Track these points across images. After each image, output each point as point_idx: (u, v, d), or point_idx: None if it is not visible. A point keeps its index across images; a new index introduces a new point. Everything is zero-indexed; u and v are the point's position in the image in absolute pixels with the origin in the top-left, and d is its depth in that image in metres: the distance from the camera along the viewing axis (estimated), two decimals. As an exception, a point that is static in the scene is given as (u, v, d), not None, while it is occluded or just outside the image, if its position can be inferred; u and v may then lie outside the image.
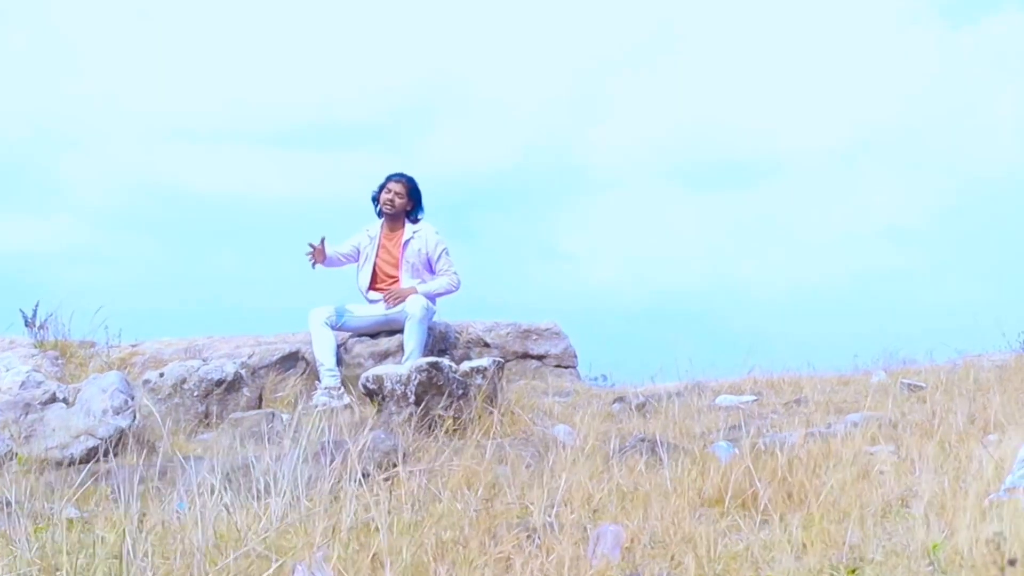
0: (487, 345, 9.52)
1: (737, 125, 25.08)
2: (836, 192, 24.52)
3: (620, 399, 7.28)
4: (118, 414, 6.01)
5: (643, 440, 5.14)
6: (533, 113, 25.34)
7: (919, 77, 25.05)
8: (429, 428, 6.11)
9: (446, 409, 6.22)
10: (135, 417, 6.05)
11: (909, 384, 7.25)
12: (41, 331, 8.97)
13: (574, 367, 9.66)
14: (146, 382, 7.30)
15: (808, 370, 9.46)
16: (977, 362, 8.85)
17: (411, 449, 5.34)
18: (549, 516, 3.63)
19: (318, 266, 8.16)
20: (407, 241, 8.25)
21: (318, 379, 7.97)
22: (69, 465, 5.84)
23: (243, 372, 7.45)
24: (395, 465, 5.08)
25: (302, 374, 8.08)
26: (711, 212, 24.72)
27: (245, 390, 7.40)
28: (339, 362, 8.04)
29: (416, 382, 6.18)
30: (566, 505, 3.73)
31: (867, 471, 3.81)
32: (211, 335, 8.85)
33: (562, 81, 25.57)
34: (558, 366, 9.59)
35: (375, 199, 8.34)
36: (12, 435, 6.03)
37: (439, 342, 9.12)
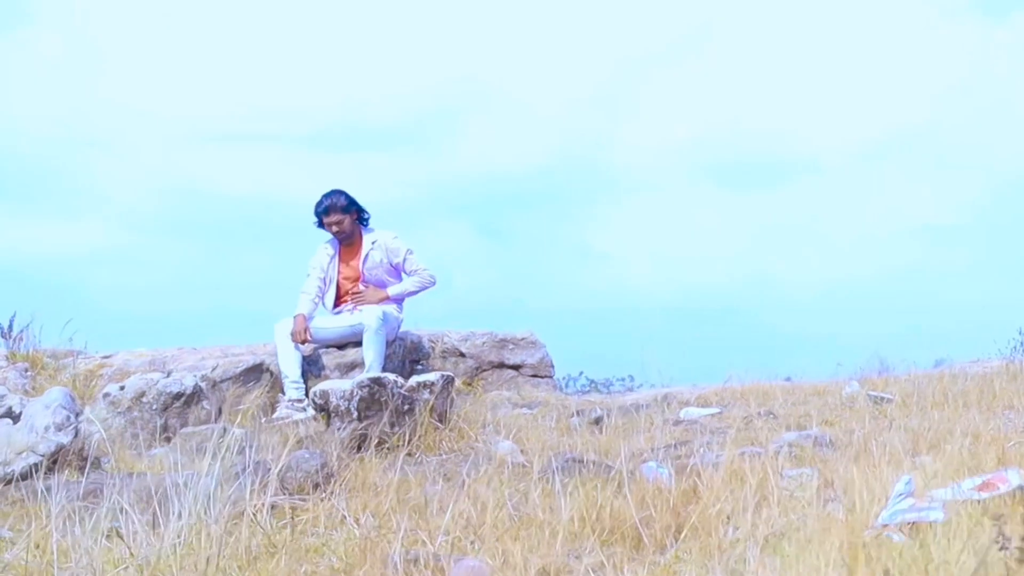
0: (462, 355, 9.45)
1: (768, 123, 24.92)
2: (869, 190, 24.29)
3: (578, 413, 7.16)
4: (60, 431, 5.96)
5: (572, 460, 5.03)
6: (563, 113, 25.25)
7: (951, 74, 24.77)
8: (375, 444, 6.02)
9: (391, 425, 6.12)
10: (77, 433, 5.99)
11: (875, 396, 7.09)
12: (16, 342, 8.95)
13: (551, 376, 9.56)
14: (106, 395, 7.26)
15: (802, 376, 9.36)
16: (968, 370, 8.67)
17: (341, 468, 5.24)
18: (434, 545, 3.53)
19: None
20: (366, 255, 8.16)
21: (282, 391, 7.90)
22: (10, 482, 5.81)
23: (203, 385, 7.40)
24: (317, 486, 5.01)
25: (267, 387, 8.00)
26: (743, 211, 24.56)
27: (205, 403, 7.35)
28: (304, 374, 7.96)
29: (358, 398, 6.08)
30: (447, 533, 3.62)
31: (762, 500, 3.67)
32: (181, 346, 8.81)
33: (592, 81, 25.46)
34: (534, 375, 9.49)
35: (320, 226, 8.22)
36: (-46, 452, 5.98)
37: (411, 352, 9.06)
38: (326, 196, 8.10)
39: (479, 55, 25.25)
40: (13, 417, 6.23)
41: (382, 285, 8.19)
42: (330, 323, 8.18)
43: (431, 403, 6.35)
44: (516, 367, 9.51)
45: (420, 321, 9.24)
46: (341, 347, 8.30)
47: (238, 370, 8.01)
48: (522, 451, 6.11)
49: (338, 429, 6.18)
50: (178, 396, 7.22)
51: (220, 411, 7.44)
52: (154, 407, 7.17)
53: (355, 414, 6.13)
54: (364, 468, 5.32)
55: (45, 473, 5.81)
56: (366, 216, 8.23)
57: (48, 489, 5.45)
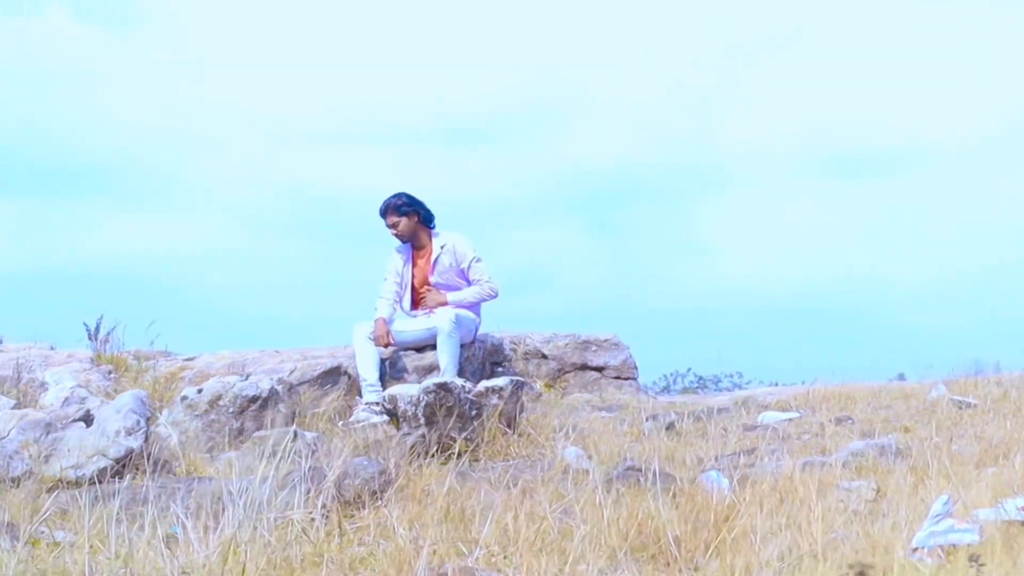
0: (545, 357, 9.41)
1: (878, 113, 24.38)
2: (985, 182, 23.63)
3: (653, 417, 7.06)
4: (130, 435, 6.06)
5: (631, 468, 4.94)
6: (671, 106, 25.05)
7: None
8: (441, 450, 6.01)
9: (459, 431, 6.10)
10: (147, 438, 6.08)
11: (960, 401, 6.87)
12: (103, 344, 9.17)
13: (634, 379, 9.47)
14: (184, 398, 7.35)
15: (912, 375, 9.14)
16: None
17: (400, 475, 5.22)
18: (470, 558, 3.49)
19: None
20: (436, 258, 8.15)
21: (359, 394, 7.94)
22: (81, 485, 5.93)
23: (279, 388, 7.45)
24: (375, 493, 5.01)
25: (344, 389, 8.05)
26: (853, 203, 24.09)
27: (281, 406, 7.40)
28: (383, 377, 7.98)
29: (424, 403, 6.07)
30: (485, 547, 3.58)
31: (809, 514, 3.55)
32: (263, 348, 8.91)
33: (700, 72, 25.22)
34: (617, 377, 9.41)
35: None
36: (31, 455, 6.12)
37: (492, 355, 9.04)
38: (391, 196, 8.13)
39: (586, 49, 25.17)
40: (88, 420, 6.34)
41: (453, 288, 8.17)
42: (407, 326, 8.20)
43: (500, 408, 6.32)
44: (599, 369, 9.44)
45: (505, 322, 9.26)
46: (419, 350, 8.31)
47: (316, 373, 8.06)
48: (589, 456, 6.04)
49: (405, 434, 6.18)
50: (254, 399, 7.28)
51: (295, 414, 7.49)
52: (230, 410, 7.23)
53: (422, 419, 6.12)
54: (424, 475, 5.31)
55: (115, 476, 5.93)
56: (430, 218, 8.21)
57: (115, 493, 5.58)
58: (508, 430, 6.33)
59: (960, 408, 6.74)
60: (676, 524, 3.53)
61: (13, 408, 7.43)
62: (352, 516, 4.61)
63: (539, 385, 9.15)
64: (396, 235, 8.15)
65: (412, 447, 6.04)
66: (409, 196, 8.15)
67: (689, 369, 27.41)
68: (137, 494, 5.61)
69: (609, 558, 3.41)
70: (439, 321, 7.85)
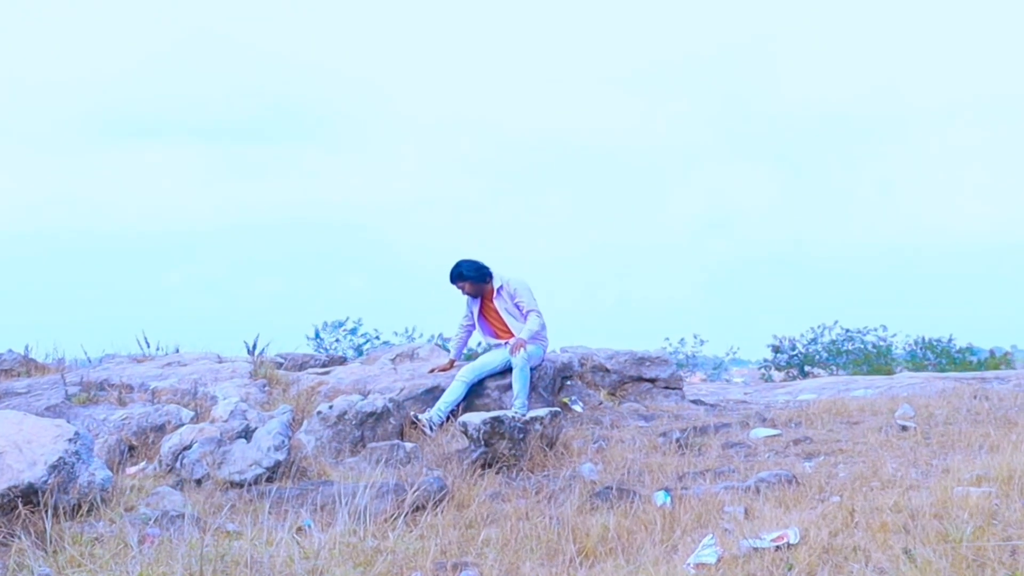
0: (608, 370, 11.67)
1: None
2: None
3: (664, 434, 9.29)
4: (278, 451, 8.57)
5: (607, 488, 7.22)
6: (861, 54, 26.03)
7: None
8: (492, 464, 8.37)
9: (508, 450, 8.44)
10: (289, 452, 8.59)
11: (903, 424, 8.90)
12: (259, 358, 11.78)
13: (679, 389, 11.68)
14: (319, 413, 9.85)
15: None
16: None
17: (459, 489, 7.58)
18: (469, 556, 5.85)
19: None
20: (497, 294, 10.64)
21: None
22: (243, 486, 8.46)
23: (390, 405, 9.89)
24: (438, 502, 7.39)
25: (441, 403, 10.45)
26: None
27: (391, 420, 9.85)
28: (456, 402, 10.37)
29: (483, 431, 8.42)
30: (485, 544, 5.93)
31: (666, 536, 5.80)
32: (383, 364, 11.40)
33: (887, 20, 26.11)
34: (666, 387, 11.63)
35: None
36: (208, 463, 8.68)
37: (562, 370, 11.35)
38: (455, 266, 10.76)
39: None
40: (247, 435, 8.87)
41: (512, 315, 10.56)
42: (490, 358, 10.59)
43: (541, 432, 8.63)
44: (651, 380, 11.67)
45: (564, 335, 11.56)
46: (501, 373, 10.69)
47: (419, 391, 10.49)
48: (606, 469, 8.30)
49: (472, 450, 8.55)
50: (371, 414, 9.73)
51: (403, 425, 9.93)
52: (353, 423, 9.69)
53: (482, 441, 8.47)
54: (476, 486, 7.66)
55: (267, 480, 8.44)
56: (488, 274, 10.66)
57: (267, 493, 8.06)
58: (548, 449, 8.63)
59: (902, 430, 8.78)
60: (594, 534, 5.82)
61: (191, 420, 10.08)
62: (416, 521, 6.96)
63: (601, 394, 11.45)
64: (467, 295, 10.66)
65: (475, 460, 8.41)
66: (471, 265, 10.72)
67: (836, 322, 28.98)
68: (282, 495, 8.14)
69: (548, 555, 5.72)
70: (515, 359, 10.23)
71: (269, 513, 7.20)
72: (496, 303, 10.70)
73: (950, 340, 27.59)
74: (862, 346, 27.89)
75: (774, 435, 9.19)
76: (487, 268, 10.79)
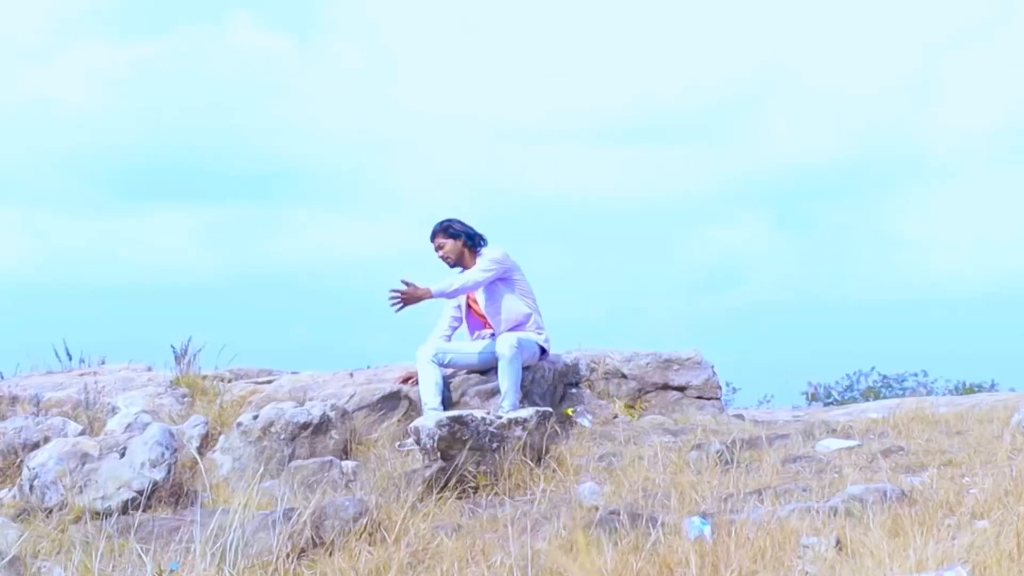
0: (625, 376, 9.17)
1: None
2: None
3: (698, 447, 6.75)
4: (154, 467, 6.12)
5: (613, 513, 4.71)
6: (868, 99, 24.35)
7: None
8: (453, 484, 5.87)
9: (476, 464, 5.95)
10: (170, 470, 6.13)
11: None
12: (188, 366, 9.36)
13: (717, 398, 9.14)
14: (239, 424, 7.39)
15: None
16: None
17: (390, 517, 5.10)
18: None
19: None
20: None
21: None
22: (107, 516, 6.01)
23: (332, 414, 7.43)
24: (358, 534, 4.90)
25: (403, 414, 7.98)
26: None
27: (333, 432, 7.38)
28: (446, 401, 7.88)
29: (438, 437, 5.94)
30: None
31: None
32: (336, 371, 8.95)
33: (895, 65, 24.42)
34: (699, 397, 9.11)
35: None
36: (66, 485, 6.24)
37: (564, 376, 8.86)
38: (433, 228, 8.06)
39: (777, 42, 24.64)
40: (113, 453, 6.42)
41: (499, 302, 7.99)
42: (466, 348, 8.09)
43: (524, 441, 6.13)
44: (681, 388, 9.15)
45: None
46: (484, 373, 8.18)
47: (375, 398, 8.01)
48: (615, 491, 5.80)
49: (426, 467, 6.07)
50: (306, 426, 7.27)
51: (348, 441, 7.45)
52: (282, 437, 7.24)
53: (439, 452, 5.98)
54: (416, 515, 5.18)
55: (141, 508, 5.99)
56: (480, 245, 8.08)
57: (133, 526, 5.64)
58: (534, 463, 6.13)
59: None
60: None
61: (79, 434, 7.63)
62: (314, 562, 4.49)
63: (617, 406, 8.93)
64: (443, 257, 8.03)
65: (429, 479, 5.93)
66: (458, 221, 8.05)
67: (873, 368, 26.58)
68: (153, 527, 5.67)
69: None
70: (500, 347, 7.70)
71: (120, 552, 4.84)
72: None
73: (993, 385, 24.82)
74: (901, 393, 25.28)
75: (851, 447, 6.65)
76: (481, 234, 8.20)
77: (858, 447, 6.62)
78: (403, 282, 7.63)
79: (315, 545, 4.72)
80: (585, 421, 8.49)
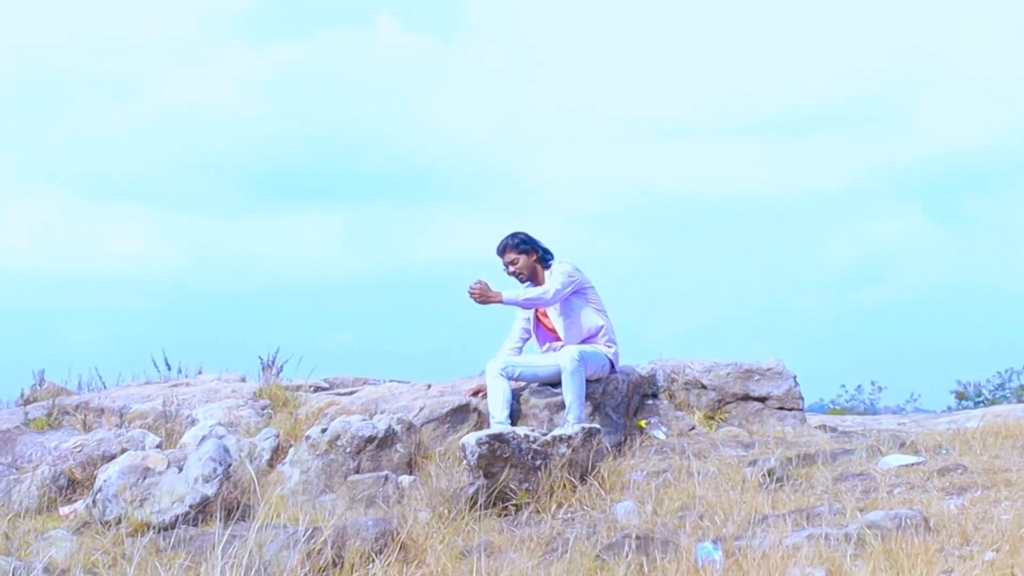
0: (704, 387, 9.04)
1: None
2: None
3: (753, 463, 6.62)
4: (206, 482, 6.27)
5: (628, 537, 4.66)
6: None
7: None
8: (495, 501, 5.88)
9: (518, 482, 5.95)
10: (221, 485, 6.27)
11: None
12: (275, 375, 9.57)
13: (799, 409, 8.94)
14: (307, 437, 7.51)
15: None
16: None
17: (421, 537, 5.14)
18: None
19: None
20: None
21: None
22: (163, 530, 6.18)
23: (398, 428, 7.49)
24: (379, 552, 4.95)
25: (472, 427, 8.00)
26: None
27: (398, 446, 7.44)
28: (513, 414, 7.89)
29: (477, 455, 5.95)
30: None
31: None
32: (413, 382, 9.03)
33: None
34: (780, 408, 8.92)
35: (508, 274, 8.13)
36: (127, 499, 6.44)
37: (640, 387, 8.79)
38: (504, 237, 8.05)
39: (929, 28, 23.98)
40: (180, 466, 6.59)
41: (575, 315, 7.96)
42: (535, 361, 8.07)
43: (568, 458, 6.11)
44: (762, 399, 8.98)
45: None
46: (554, 385, 8.16)
47: (444, 411, 8.05)
48: (655, 511, 5.73)
49: (470, 484, 6.09)
50: (371, 439, 7.34)
51: (413, 455, 7.51)
52: (348, 450, 7.32)
53: (481, 470, 6.00)
54: (447, 534, 5.21)
55: (193, 521, 6.15)
56: (548, 257, 8.06)
57: (184, 540, 5.80)
58: (579, 480, 6.10)
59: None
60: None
61: (156, 447, 7.88)
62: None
63: (695, 417, 8.82)
64: (514, 273, 8.02)
65: (472, 496, 5.95)
66: (527, 235, 8.04)
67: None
68: (202, 542, 5.82)
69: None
70: (562, 359, 7.67)
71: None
72: None
73: None
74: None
75: (913, 464, 6.44)
76: (550, 250, 8.18)
77: (919, 465, 6.42)
78: (478, 281, 7.70)
79: (335, 565, 4.78)
80: (660, 433, 8.41)
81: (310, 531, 4.96)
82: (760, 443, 7.94)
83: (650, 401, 8.83)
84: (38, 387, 10.60)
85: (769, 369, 9.05)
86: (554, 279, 7.86)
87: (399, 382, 9.25)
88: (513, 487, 5.93)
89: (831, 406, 22.86)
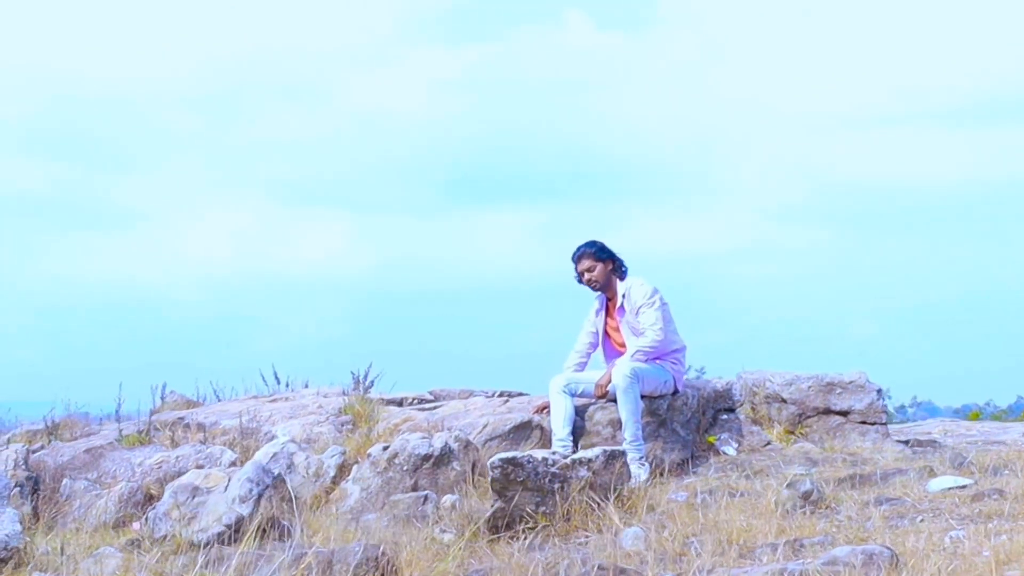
0: (784, 401, 8.84)
1: None
2: None
3: (791, 485, 6.44)
4: (243, 503, 6.47)
5: (600, 568, 4.61)
6: None
7: None
8: (512, 524, 5.90)
9: (535, 505, 5.96)
10: (257, 505, 6.45)
11: None
12: (367, 390, 9.77)
13: (882, 423, 8.65)
14: (369, 455, 7.67)
15: None
16: None
17: (416, 562, 5.20)
18: None
19: None
20: (620, 306, 7.94)
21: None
22: (204, 548, 6.40)
23: (455, 446, 7.56)
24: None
25: (535, 444, 8.02)
26: None
27: (455, 464, 7.52)
28: (576, 431, 7.88)
29: (490, 479, 5.98)
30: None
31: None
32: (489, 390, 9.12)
33: None
34: (863, 422, 8.66)
35: (578, 280, 8.10)
36: (174, 518, 6.70)
37: (715, 401, 8.68)
38: (580, 245, 8.04)
39: None
40: (226, 485, 6.81)
41: (638, 334, 7.89)
42: (597, 378, 8.04)
43: (588, 480, 6.08)
44: (843, 413, 8.73)
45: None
46: (616, 401, 8.11)
47: (506, 428, 8.09)
48: (658, 538, 5.64)
49: (489, 507, 6.12)
50: (427, 458, 7.45)
51: (468, 473, 7.56)
52: (405, 468, 7.44)
53: (497, 492, 6.03)
54: (444, 560, 5.26)
55: (231, 540, 6.35)
56: (623, 267, 8.01)
57: (219, 559, 6.00)
58: (600, 503, 6.06)
59: None
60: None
61: (231, 464, 8.17)
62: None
63: (774, 432, 8.64)
64: (589, 281, 7.97)
65: (489, 519, 5.98)
66: (602, 244, 8.03)
67: None
68: (234, 561, 6.01)
69: None
70: (615, 377, 7.62)
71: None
72: (618, 315, 8.08)
73: None
74: None
75: (959, 486, 6.17)
76: (623, 260, 8.15)
77: (964, 488, 6.15)
78: (596, 387, 7.87)
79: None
80: (730, 449, 8.28)
81: (298, 555, 5.07)
82: (828, 460, 7.73)
83: (726, 416, 8.69)
84: (161, 401, 11.04)
85: (851, 382, 8.78)
86: (647, 317, 7.83)
87: (475, 398, 9.33)
88: (529, 511, 5.93)
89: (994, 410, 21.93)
